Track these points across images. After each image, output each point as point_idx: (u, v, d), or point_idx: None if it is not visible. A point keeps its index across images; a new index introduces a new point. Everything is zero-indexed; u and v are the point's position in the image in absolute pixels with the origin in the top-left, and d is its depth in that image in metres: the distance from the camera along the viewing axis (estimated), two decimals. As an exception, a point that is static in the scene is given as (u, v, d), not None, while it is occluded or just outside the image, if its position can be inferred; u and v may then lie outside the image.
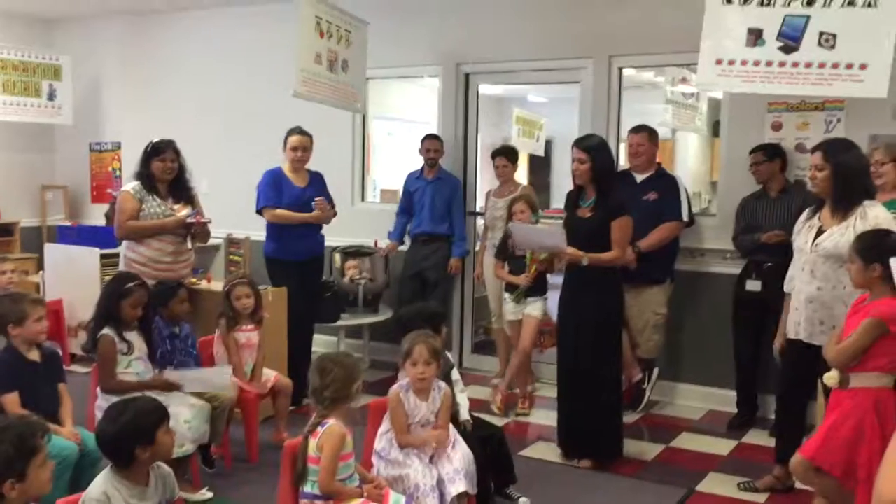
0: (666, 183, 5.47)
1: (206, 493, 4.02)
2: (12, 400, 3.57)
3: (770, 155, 5.23)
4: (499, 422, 4.86)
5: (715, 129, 6.42)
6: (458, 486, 3.34)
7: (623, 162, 5.61)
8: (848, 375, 3.24)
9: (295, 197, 5.50)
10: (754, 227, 5.16)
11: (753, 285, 5.15)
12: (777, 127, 5.47)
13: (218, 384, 4.23)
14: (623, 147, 5.72)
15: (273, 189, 5.49)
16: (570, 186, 4.70)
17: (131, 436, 2.61)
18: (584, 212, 4.54)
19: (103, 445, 2.69)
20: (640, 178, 5.50)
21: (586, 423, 4.55)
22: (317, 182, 5.68)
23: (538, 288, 5.42)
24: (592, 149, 4.46)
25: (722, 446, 5.02)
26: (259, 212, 5.56)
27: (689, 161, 8.69)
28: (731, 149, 5.65)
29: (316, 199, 5.42)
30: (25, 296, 3.98)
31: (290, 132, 5.55)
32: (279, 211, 5.45)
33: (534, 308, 5.43)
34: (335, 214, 5.62)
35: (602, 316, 4.52)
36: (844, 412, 3.24)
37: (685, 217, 5.40)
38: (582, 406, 4.53)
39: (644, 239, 5.19)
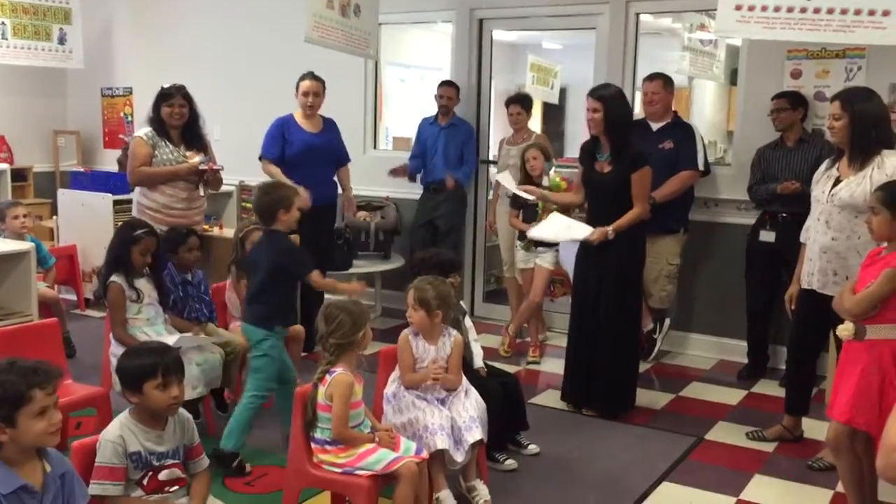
0: (682, 131, 5.41)
1: None
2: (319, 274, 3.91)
3: (793, 103, 5.13)
4: (509, 368, 4.88)
5: (732, 77, 6.31)
6: (474, 434, 3.36)
7: (638, 111, 5.54)
8: (863, 327, 3.21)
9: (304, 143, 5.46)
10: (770, 178, 5.10)
11: (767, 236, 5.13)
12: (796, 75, 5.37)
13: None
14: (639, 96, 5.64)
15: (275, 140, 5.45)
16: (584, 135, 4.63)
17: (122, 378, 2.68)
18: (603, 166, 4.48)
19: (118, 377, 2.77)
20: (655, 126, 5.44)
21: (602, 375, 4.54)
22: (330, 129, 5.63)
23: (549, 238, 5.40)
24: (606, 98, 4.37)
25: (732, 396, 5.04)
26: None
27: (705, 110, 8.57)
28: (748, 97, 5.55)
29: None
30: (283, 184, 4.43)
31: (302, 77, 5.50)
32: (272, 168, 5.41)
33: (544, 259, 5.44)
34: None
35: (624, 268, 4.50)
36: (866, 368, 3.19)
37: (701, 166, 5.34)
38: (599, 357, 4.53)
39: (659, 189, 5.13)
